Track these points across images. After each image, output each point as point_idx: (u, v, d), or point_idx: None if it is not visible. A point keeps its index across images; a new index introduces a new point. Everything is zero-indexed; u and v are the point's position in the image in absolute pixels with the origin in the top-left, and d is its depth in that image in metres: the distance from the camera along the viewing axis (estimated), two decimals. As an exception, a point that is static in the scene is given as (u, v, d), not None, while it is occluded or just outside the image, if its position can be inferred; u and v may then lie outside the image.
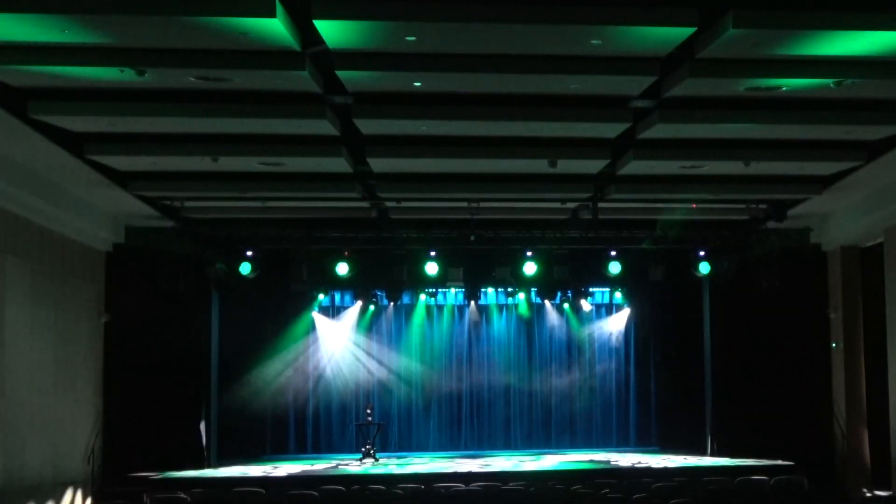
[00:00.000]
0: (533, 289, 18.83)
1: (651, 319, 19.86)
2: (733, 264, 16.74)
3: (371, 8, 8.23)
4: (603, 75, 9.64)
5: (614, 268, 16.82)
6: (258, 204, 14.95)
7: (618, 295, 19.94)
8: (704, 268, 16.87)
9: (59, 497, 14.22)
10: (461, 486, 13.43)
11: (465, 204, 14.96)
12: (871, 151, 12.51)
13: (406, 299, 19.47)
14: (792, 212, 15.43)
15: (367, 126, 11.36)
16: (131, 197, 14.33)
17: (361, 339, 19.77)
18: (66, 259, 14.62)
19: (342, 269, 16.73)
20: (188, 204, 15.12)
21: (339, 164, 12.57)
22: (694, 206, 15.13)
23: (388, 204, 15.27)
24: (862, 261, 16.44)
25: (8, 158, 11.91)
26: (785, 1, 8.39)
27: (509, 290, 19.00)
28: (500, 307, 20.13)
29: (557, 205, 15.24)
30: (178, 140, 11.87)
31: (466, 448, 19.61)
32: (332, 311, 19.79)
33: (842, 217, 16.06)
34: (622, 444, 19.78)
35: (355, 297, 19.21)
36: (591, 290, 19.19)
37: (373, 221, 16.16)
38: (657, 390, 19.72)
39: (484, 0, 8.25)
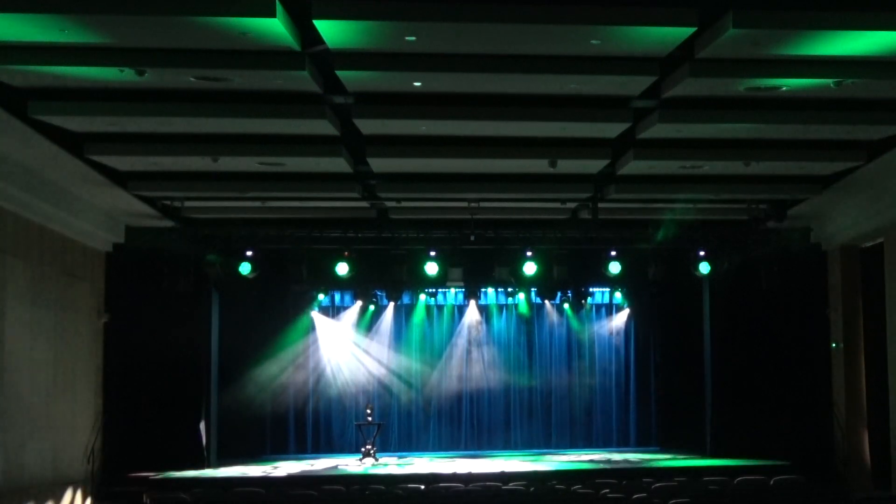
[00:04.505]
0: (533, 289, 18.83)
1: (651, 319, 19.87)
2: (733, 264, 16.73)
3: (371, 8, 8.22)
4: (603, 75, 9.64)
5: (614, 268, 16.78)
6: (258, 204, 14.96)
7: (618, 295, 19.97)
8: (704, 268, 16.84)
9: (59, 497, 14.22)
10: (461, 486, 13.43)
11: (465, 204, 14.96)
12: (871, 151, 12.51)
13: (406, 299, 19.49)
14: (792, 212, 15.43)
15: (367, 126, 11.36)
16: (131, 197, 14.33)
17: (361, 339, 19.77)
18: (66, 259, 14.62)
19: (342, 269, 16.71)
20: (188, 204, 15.12)
21: (339, 164, 12.57)
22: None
23: (388, 204, 15.27)
24: (862, 261, 16.43)
25: (8, 158, 11.91)
26: (785, 1, 8.39)
27: (509, 290, 19.00)
28: (500, 307, 20.14)
29: (557, 205, 15.24)
30: (178, 140, 11.87)
31: (466, 448, 19.61)
32: (332, 311, 19.80)
33: (842, 217, 16.05)
34: (622, 444, 19.79)
35: (355, 297, 19.21)
36: (591, 290, 19.19)
37: (373, 221, 16.17)
38: (657, 390, 19.73)
39: (484, 0, 8.26)
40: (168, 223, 15.70)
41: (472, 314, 19.97)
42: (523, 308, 19.88)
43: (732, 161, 12.65)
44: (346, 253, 16.70)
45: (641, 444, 19.67)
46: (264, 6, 8.01)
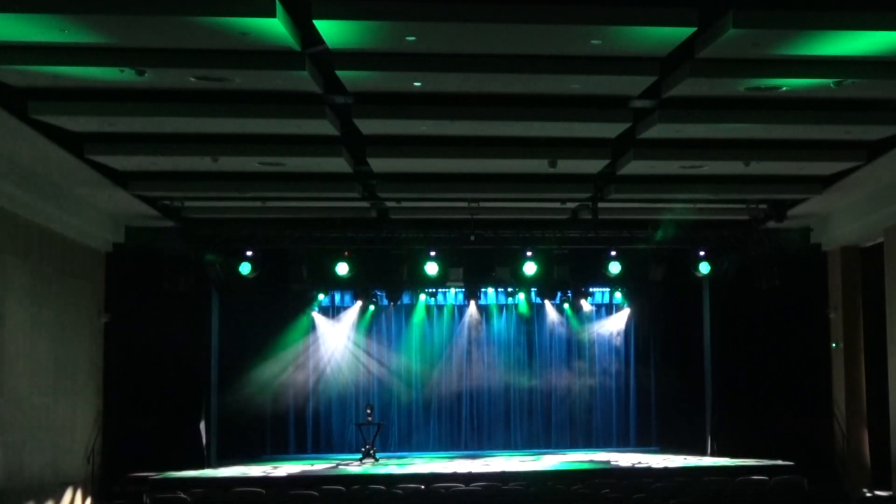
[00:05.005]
0: (533, 289, 18.82)
1: (651, 319, 19.85)
2: (733, 264, 16.74)
3: (371, 8, 8.23)
4: (603, 75, 9.64)
5: (614, 268, 16.79)
6: (258, 204, 14.95)
7: (618, 295, 19.93)
8: (704, 268, 16.86)
9: (59, 497, 14.22)
10: (461, 486, 13.43)
11: (465, 204, 14.96)
12: (871, 151, 12.51)
13: (406, 299, 19.45)
14: (792, 212, 15.44)
15: (367, 126, 11.36)
16: (131, 197, 14.34)
17: (361, 339, 19.75)
18: (66, 259, 14.62)
19: (342, 269, 16.71)
20: (188, 204, 15.13)
21: (339, 164, 12.57)
22: None
23: (388, 204, 15.27)
24: (862, 261, 16.44)
25: (8, 158, 11.91)
26: (785, 1, 8.40)
27: (509, 290, 18.99)
28: (500, 307, 20.11)
29: (557, 205, 15.24)
30: (178, 140, 11.87)
31: (466, 448, 19.59)
32: (332, 311, 19.77)
33: (842, 217, 16.06)
34: (622, 444, 19.76)
35: (355, 297, 19.19)
36: (591, 290, 19.18)
37: (373, 221, 16.17)
38: (657, 390, 19.70)
39: (484, 0, 8.25)
40: (168, 223, 15.71)
41: (472, 314, 19.95)
42: (523, 308, 19.86)
43: (732, 161, 12.65)
44: (346, 253, 16.70)
45: (641, 444, 19.64)
46: (264, 6, 8.02)
